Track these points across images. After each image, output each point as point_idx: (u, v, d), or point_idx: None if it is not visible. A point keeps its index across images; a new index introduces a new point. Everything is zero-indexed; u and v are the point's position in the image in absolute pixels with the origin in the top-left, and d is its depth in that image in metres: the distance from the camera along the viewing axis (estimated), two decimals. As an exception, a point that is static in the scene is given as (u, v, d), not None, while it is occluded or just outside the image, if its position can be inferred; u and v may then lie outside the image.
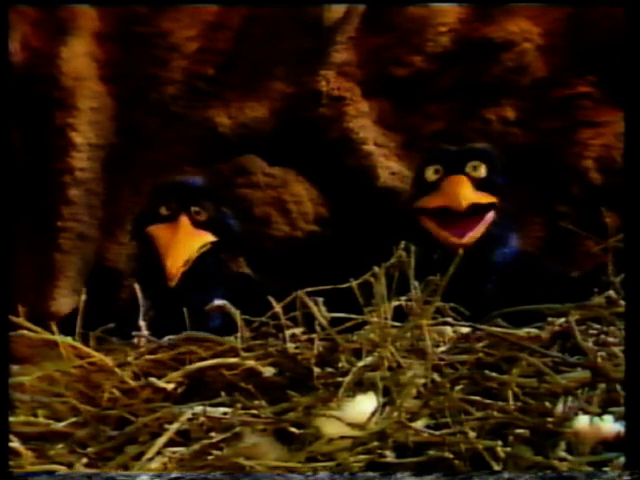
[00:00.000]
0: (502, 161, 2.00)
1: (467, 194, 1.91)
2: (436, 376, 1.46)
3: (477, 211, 1.91)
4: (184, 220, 2.01)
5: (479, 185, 1.94)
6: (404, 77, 2.36)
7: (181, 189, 2.07)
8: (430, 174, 1.98)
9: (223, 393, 1.51)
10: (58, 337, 1.59)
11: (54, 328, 1.60)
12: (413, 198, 2.00)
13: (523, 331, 1.57)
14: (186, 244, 1.99)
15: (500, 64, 2.32)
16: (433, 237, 1.90)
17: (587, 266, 2.09)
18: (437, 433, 1.37)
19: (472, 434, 1.35)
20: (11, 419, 1.47)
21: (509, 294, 1.78)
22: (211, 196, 2.08)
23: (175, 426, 1.43)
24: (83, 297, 1.67)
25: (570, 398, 1.40)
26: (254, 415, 1.44)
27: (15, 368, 1.60)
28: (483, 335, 1.55)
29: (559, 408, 1.39)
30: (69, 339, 1.61)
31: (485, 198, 1.93)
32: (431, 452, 1.34)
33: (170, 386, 1.54)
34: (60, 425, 1.50)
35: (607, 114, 2.27)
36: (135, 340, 1.66)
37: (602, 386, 1.41)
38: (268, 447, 1.39)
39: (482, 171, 1.96)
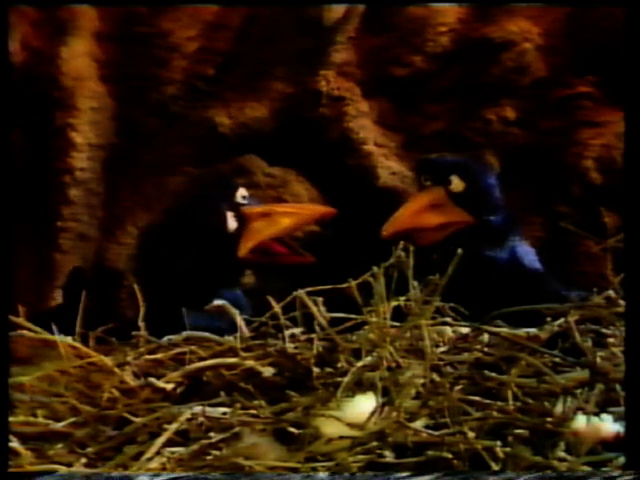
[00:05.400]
0: (485, 173, 2.00)
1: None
2: (435, 376, 1.46)
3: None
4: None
5: (457, 200, 1.95)
6: (404, 77, 2.36)
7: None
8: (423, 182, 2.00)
9: (222, 393, 1.51)
10: (58, 337, 1.59)
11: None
12: None
13: (523, 331, 1.56)
14: None
15: (500, 64, 2.33)
16: None
17: (587, 266, 2.10)
18: (436, 433, 1.36)
19: (471, 434, 1.35)
20: (11, 419, 1.47)
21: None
22: None
23: (174, 426, 1.42)
24: (83, 297, 1.67)
25: (570, 398, 1.40)
26: (253, 415, 1.44)
27: (15, 368, 1.59)
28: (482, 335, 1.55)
29: (558, 408, 1.38)
30: (69, 339, 1.61)
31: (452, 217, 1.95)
32: (430, 452, 1.34)
33: (169, 386, 1.54)
34: (59, 425, 1.49)
35: (607, 114, 2.27)
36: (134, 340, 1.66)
37: (601, 386, 1.41)
38: (267, 447, 1.39)
39: (460, 186, 1.96)
